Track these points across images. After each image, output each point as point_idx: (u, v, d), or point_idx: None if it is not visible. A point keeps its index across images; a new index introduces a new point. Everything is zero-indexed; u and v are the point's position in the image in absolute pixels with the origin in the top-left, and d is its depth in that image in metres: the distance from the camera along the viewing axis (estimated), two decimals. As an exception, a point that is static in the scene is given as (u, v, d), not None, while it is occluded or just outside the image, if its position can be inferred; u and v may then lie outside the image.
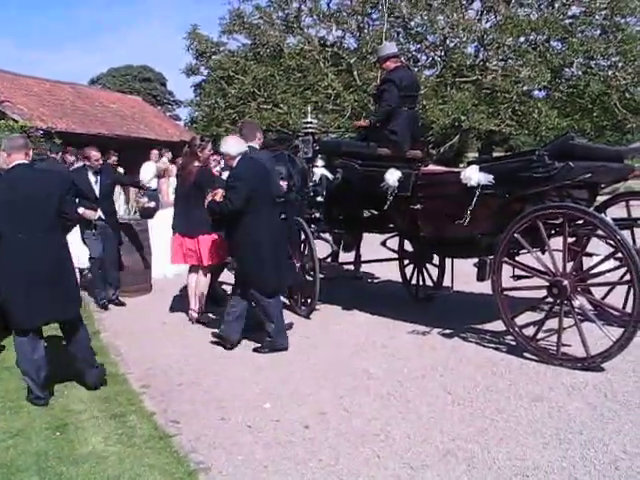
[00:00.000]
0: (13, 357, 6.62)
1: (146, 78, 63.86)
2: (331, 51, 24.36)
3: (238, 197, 6.73)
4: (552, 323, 6.53)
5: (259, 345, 7.14)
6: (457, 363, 6.50)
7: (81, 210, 8.61)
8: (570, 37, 22.05)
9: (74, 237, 8.08)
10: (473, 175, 6.48)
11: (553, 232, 6.83)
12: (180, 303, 9.03)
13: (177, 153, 15.17)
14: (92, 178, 8.90)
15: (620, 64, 22.31)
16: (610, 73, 22.44)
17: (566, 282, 6.16)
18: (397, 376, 6.17)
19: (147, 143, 21.39)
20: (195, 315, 8.25)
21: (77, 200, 8.14)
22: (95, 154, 8.93)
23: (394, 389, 5.83)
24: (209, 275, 8.38)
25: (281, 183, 7.95)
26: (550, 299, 6.47)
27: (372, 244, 9.57)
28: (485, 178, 6.46)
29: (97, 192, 8.90)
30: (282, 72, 24.10)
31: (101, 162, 9.06)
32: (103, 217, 8.91)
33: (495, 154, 39.77)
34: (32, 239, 5.41)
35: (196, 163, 8.12)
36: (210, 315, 8.40)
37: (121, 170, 13.01)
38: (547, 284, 6.36)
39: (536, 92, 24.08)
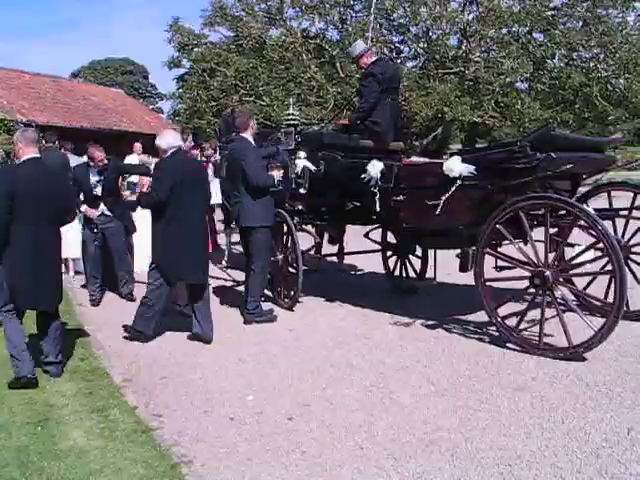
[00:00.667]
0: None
1: (128, 71, 63.64)
2: (314, 43, 24.27)
3: (162, 189, 6.73)
4: (534, 313, 6.56)
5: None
6: (440, 354, 6.51)
7: (83, 208, 8.64)
8: (552, 29, 22.08)
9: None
10: (455, 166, 6.49)
11: (535, 223, 6.85)
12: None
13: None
14: (94, 178, 8.85)
15: (601, 56, 22.37)
16: (592, 65, 22.50)
17: (548, 273, 6.19)
18: (380, 368, 6.17)
19: (129, 136, 21.30)
20: (178, 308, 8.20)
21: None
22: (99, 154, 8.87)
23: (377, 380, 5.83)
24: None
25: (276, 173, 7.91)
26: (532, 289, 6.50)
27: (355, 236, 9.56)
28: (467, 169, 6.47)
29: (100, 191, 8.85)
30: (264, 64, 23.98)
31: (105, 162, 8.97)
32: (107, 213, 8.88)
33: (478, 146, 39.93)
34: (40, 230, 5.75)
35: None
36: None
37: None
38: (529, 275, 6.38)
39: (519, 84, 24.15)
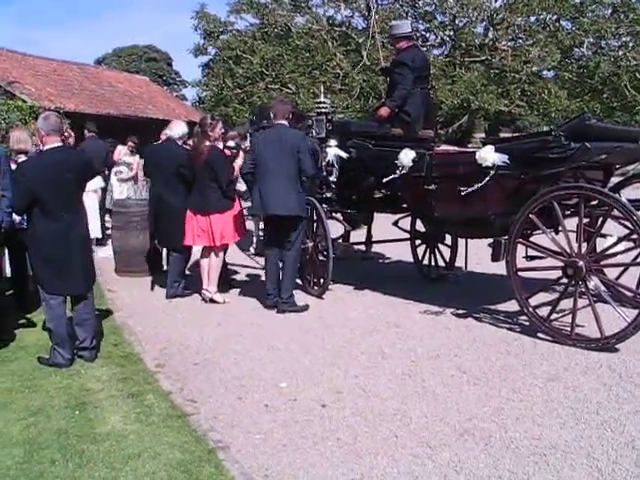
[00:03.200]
0: (28, 337, 6.76)
1: (152, 58, 63.67)
2: (339, 31, 24.17)
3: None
4: (566, 303, 6.54)
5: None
6: (471, 343, 6.52)
7: None
8: (580, 16, 21.83)
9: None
10: (488, 155, 6.47)
11: (567, 213, 6.82)
12: (193, 282, 9.04)
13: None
14: None
15: (631, 44, 22.06)
16: (620, 53, 22.19)
17: (581, 263, 6.16)
18: (411, 356, 6.19)
19: (155, 123, 21.37)
20: (208, 295, 8.26)
21: None
22: None
23: (409, 369, 5.85)
24: (222, 255, 8.39)
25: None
26: (564, 280, 6.48)
27: (383, 224, 9.56)
28: (500, 158, 6.45)
29: None
30: (290, 52, 23.90)
31: None
32: None
33: (502, 135, 39.65)
34: (66, 217, 5.80)
35: (207, 142, 8.10)
36: (223, 295, 8.41)
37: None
38: (562, 265, 6.35)
39: (545, 72, 23.92)
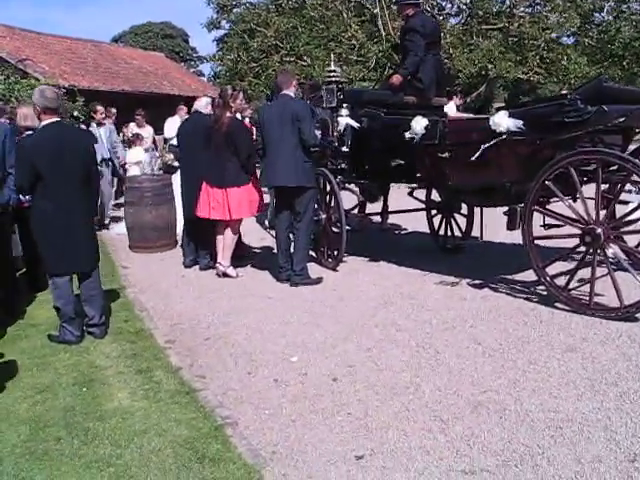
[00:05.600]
0: (39, 314, 6.71)
1: (168, 35, 63.36)
2: (354, 1, 23.84)
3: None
4: (584, 272, 6.37)
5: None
6: (487, 314, 6.38)
7: None
8: (601, -21, 21.40)
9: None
10: (502, 121, 6.29)
11: (585, 179, 6.62)
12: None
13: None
14: None
15: (653, 8, 21.64)
16: (642, 17, 21.76)
17: (600, 230, 5.98)
18: (426, 328, 6.06)
19: (170, 99, 21.25)
20: (222, 269, 8.16)
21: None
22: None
23: (423, 341, 5.73)
24: (237, 229, 8.26)
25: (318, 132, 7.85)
26: (582, 248, 6.30)
27: (399, 194, 9.41)
28: (514, 124, 6.26)
29: None
30: (305, 24, 23.64)
31: None
32: None
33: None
34: (67, 194, 5.68)
35: (228, 114, 7.94)
36: (237, 269, 8.32)
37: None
38: (580, 232, 6.18)
39: (564, 39, 23.51)
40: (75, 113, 11.42)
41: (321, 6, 23.12)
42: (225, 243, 8.19)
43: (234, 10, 25.23)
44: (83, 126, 11.00)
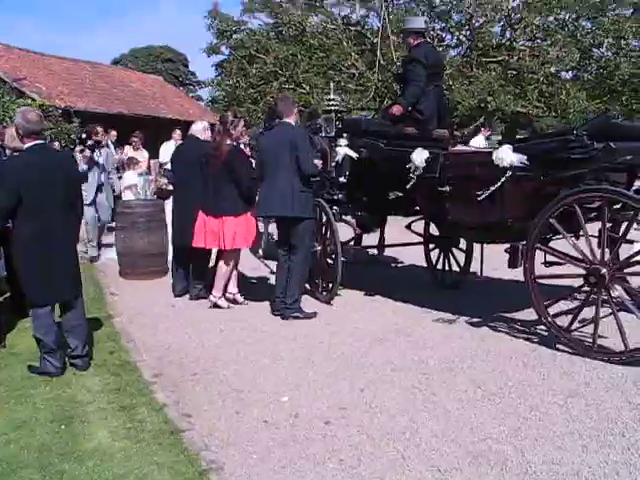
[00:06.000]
0: (21, 342, 6.49)
1: (168, 59, 63.58)
2: (354, 30, 23.83)
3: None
4: (587, 312, 6.17)
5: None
6: (486, 354, 6.15)
7: None
8: (601, 16, 21.39)
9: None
10: (506, 155, 6.11)
11: (588, 217, 6.44)
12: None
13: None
14: None
15: (652, 45, 21.64)
16: (641, 54, 21.76)
17: (604, 270, 5.78)
18: (422, 368, 5.83)
19: (168, 123, 21.13)
20: (213, 299, 7.93)
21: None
22: None
23: (419, 382, 5.49)
24: (231, 260, 8.02)
25: (318, 162, 7.66)
26: (586, 288, 6.10)
27: (396, 227, 9.21)
28: (518, 159, 6.09)
29: None
30: (304, 51, 23.61)
31: None
32: None
33: (518, 137, 39.12)
34: (49, 219, 5.46)
35: (227, 141, 7.75)
36: (241, 300, 8.17)
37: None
38: (584, 272, 5.97)
39: (563, 74, 23.49)
40: (83, 136, 11.14)
41: (321, 34, 23.13)
42: (218, 273, 7.97)
43: (234, 36, 25.18)
44: (87, 151, 10.79)
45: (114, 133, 14.27)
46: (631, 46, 22.19)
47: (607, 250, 5.91)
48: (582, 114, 21.18)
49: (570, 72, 23.56)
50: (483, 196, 6.30)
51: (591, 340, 5.94)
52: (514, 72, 22.12)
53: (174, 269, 8.80)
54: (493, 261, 7.77)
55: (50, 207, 5.45)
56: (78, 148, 11.26)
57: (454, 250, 8.72)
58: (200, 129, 8.69)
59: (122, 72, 30.30)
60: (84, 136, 11.36)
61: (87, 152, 10.82)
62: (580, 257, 6.06)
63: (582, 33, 21.43)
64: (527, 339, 6.53)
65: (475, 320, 7.16)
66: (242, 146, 8.74)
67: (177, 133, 14.89)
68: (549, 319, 6.18)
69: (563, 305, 6.83)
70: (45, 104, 17.71)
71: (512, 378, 5.53)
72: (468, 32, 22.99)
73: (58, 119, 17.73)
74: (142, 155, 14.85)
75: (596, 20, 21.67)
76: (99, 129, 11.57)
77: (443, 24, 23.67)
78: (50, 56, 23.74)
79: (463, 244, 8.60)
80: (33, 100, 17.67)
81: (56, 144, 16.40)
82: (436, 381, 5.51)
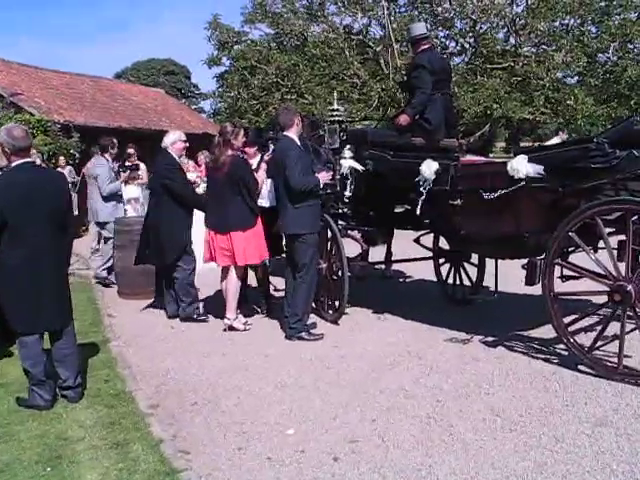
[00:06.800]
0: (10, 372, 6.15)
1: (170, 71, 63.60)
2: (356, 39, 23.57)
3: None
4: (609, 331, 5.82)
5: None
6: (504, 378, 5.78)
7: None
8: (606, 20, 21.07)
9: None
10: (521, 166, 5.76)
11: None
12: (203, 307, 8.40)
13: (199, 145, 14.42)
14: None
15: (659, 48, 21.33)
16: (648, 57, 21.44)
17: (630, 287, 5.40)
18: (437, 394, 5.46)
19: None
20: (228, 322, 7.55)
21: None
22: None
23: (434, 410, 5.13)
24: (240, 278, 7.69)
25: (324, 175, 7.30)
26: (608, 304, 5.73)
27: (404, 239, 8.84)
28: (535, 169, 5.73)
29: None
30: (306, 61, 23.39)
31: None
32: None
33: (523, 144, 38.79)
34: (38, 243, 5.11)
35: (229, 152, 7.41)
36: (243, 320, 7.74)
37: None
38: (607, 289, 5.60)
39: (569, 79, 23.21)
40: (114, 150, 10.79)
41: (323, 43, 22.88)
42: (228, 293, 7.60)
43: (235, 47, 24.97)
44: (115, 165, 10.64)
45: (115, 141, 13.90)
46: (638, 50, 21.90)
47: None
48: (590, 119, 20.87)
49: (575, 77, 23.27)
50: (492, 202, 5.95)
51: (616, 361, 5.57)
52: (520, 78, 21.81)
53: (164, 289, 8.44)
54: (506, 275, 7.42)
55: (38, 229, 5.10)
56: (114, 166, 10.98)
57: (466, 264, 8.34)
58: (169, 141, 8.21)
59: (123, 85, 30.01)
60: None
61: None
62: (603, 273, 5.69)
63: (588, 38, 21.12)
64: (546, 360, 6.15)
65: (490, 339, 6.80)
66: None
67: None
68: (570, 339, 5.81)
69: (582, 320, 6.46)
70: (43, 119, 17.40)
71: (533, 405, 5.16)
72: (472, 39, 22.73)
73: (57, 134, 17.40)
74: (140, 168, 14.50)
75: (602, 24, 21.38)
76: (115, 141, 11.09)
77: (446, 31, 23.41)
78: (49, 70, 23.42)
79: (475, 258, 8.22)
80: (31, 115, 17.36)
81: (62, 159, 16.12)
82: (452, 409, 5.14)
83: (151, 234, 8.07)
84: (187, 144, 8.38)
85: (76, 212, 15.22)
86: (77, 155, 17.30)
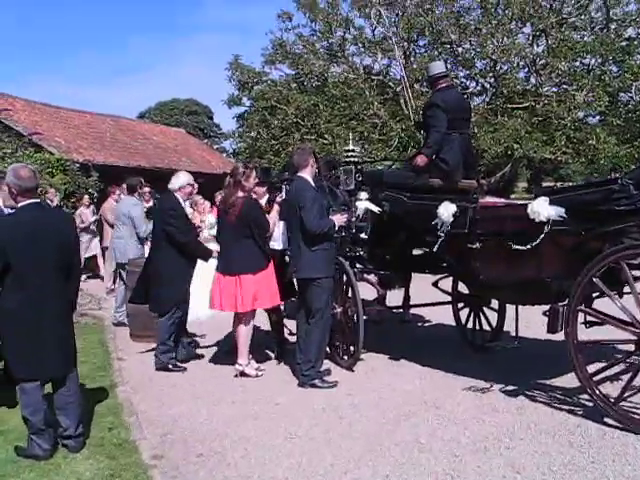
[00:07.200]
0: (11, 418, 5.93)
1: (193, 111, 64.05)
2: (377, 79, 23.57)
3: None
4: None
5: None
6: (525, 430, 5.49)
7: None
8: (628, 59, 20.90)
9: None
10: (542, 209, 5.54)
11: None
12: (214, 351, 8.20)
13: (219, 185, 14.34)
14: None
15: (681, 87, 21.07)
16: (671, 96, 21.19)
17: (659, 336, 5.13)
18: (454, 448, 5.17)
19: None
20: (240, 368, 7.31)
21: None
22: None
23: (451, 466, 4.85)
24: (252, 322, 7.47)
25: (339, 217, 7.13)
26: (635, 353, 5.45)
27: (423, 281, 8.59)
28: (556, 212, 5.51)
29: None
30: (326, 102, 23.38)
31: None
32: None
33: (545, 184, 38.48)
34: (41, 287, 4.95)
35: (240, 194, 7.25)
36: (255, 366, 7.51)
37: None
38: (635, 338, 5.32)
39: (591, 118, 22.99)
40: (142, 190, 10.63)
41: (343, 84, 22.91)
42: (239, 338, 7.37)
43: (255, 87, 25.05)
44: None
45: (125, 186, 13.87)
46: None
47: None
48: (613, 159, 20.63)
49: (597, 117, 23.07)
50: (518, 251, 5.72)
51: (644, 413, 5.28)
52: (541, 118, 21.63)
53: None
54: (528, 320, 7.15)
55: (41, 273, 4.95)
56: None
57: (485, 309, 8.08)
58: (178, 183, 7.96)
59: (144, 125, 30.19)
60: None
61: None
62: (629, 320, 5.42)
63: (609, 77, 20.94)
64: (570, 411, 5.85)
65: (510, 388, 6.51)
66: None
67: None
68: (596, 391, 5.52)
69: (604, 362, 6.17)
70: (63, 158, 17.46)
71: (556, 461, 4.87)
72: (492, 79, 22.64)
73: (76, 173, 17.43)
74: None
75: (623, 63, 21.20)
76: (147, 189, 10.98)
77: (467, 71, 23.36)
78: (70, 110, 23.60)
79: (495, 303, 7.95)
80: (51, 154, 17.45)
81: (86, 197, 15.94)
82: (470, 465, 4.86)
83: (151, 279, 7.87)
84: (196, 188, 8.21)
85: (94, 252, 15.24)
86: (95, 194, 17.27)
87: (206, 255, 7.88)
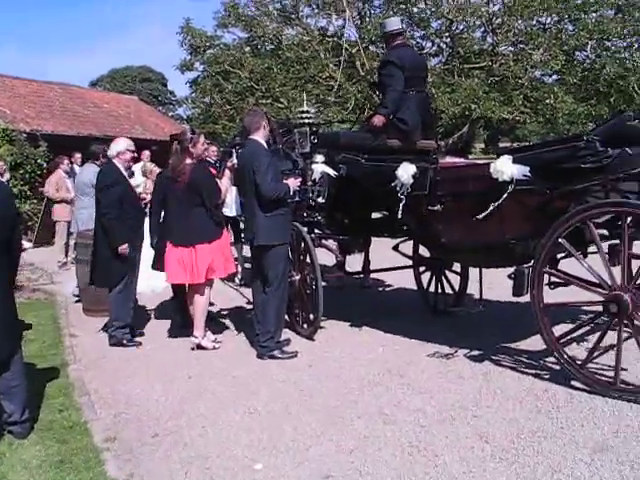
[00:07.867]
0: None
1: (146, 78, 63.08)
2: (332, 42, 23.13)
3: None
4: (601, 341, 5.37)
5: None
6: (492, 397, 5.33)
7: None
8: (583, 17, 20.76)
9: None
10: (506, 168, 5.33)
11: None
12: (168, 324, 7.96)
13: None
14: None
15: (637, 45, 21.02)
16: (626, 55, 21.13)
17: (627, 297, 4.97)
18: (420, 418, 5.00)
19: (141, 143, 20.25)
20: (196, 341, 7.06)
21: None
22: None
23: (417, 438, 4.67)
24: (207, 292, 7.19)
25: (293, 181, 6.84)
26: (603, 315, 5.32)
27: (383, 245, 8.39)
28: (520, 171, 5.30)
29: None
30: (281, 65, 22.86)
31: None
32: None
33: (502, 144, 38.49)
34: None
35: (188, 160, 6.94)
36: (211, 338, 7.27)
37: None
38: (602, 299, 5.17)
39: (547, 77, 22.86)
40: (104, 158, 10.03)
41: (297, 46, 22.43)
42: (196, 310, 7.11)
43: (208, 51, 24.43)
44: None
45: (78, 156, 13.39)
46: (616, 47, 21.63)
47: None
48: (570, 117, 20.57)
49: (553, 76, 22.95)
50: (482, 215, 5.51)
51: (611, 375, 5.14)
52: (498, 78, 21.43)
53: None
54: (492, 283, 7.00)
55: None
56: None
57: (448, 272, 7.90)
58: (114, 150, 7.53)
59: (95, 93, 29.39)
60: None
61: None
62: (597, 281, 5.26)
63: (565, 35, 20.79)
64: (537, 375, 5.71)
65: (475, 353, 6.36)
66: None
67: (146, 155, 14.12)
68: (562, 353, 5.38)
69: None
70: (9, 128, 16.85)
71: (524, 428, 4.72)
72: (448, 39, 22.34)
73: (23, 144, 16.86)
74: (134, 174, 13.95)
75: (579, 22, 21.05)
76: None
77: (422, 31, 23.03)
78: (15, 78, 22.77)
79: (458, 266, 7.78)
80: (-4, 124, 16.85)
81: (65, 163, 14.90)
82: (437, 436, 4.68)
83: (96, 253, 7.56)
84: (135, 154, 7.80)
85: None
86: (45, 165, 16.72)
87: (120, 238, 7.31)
